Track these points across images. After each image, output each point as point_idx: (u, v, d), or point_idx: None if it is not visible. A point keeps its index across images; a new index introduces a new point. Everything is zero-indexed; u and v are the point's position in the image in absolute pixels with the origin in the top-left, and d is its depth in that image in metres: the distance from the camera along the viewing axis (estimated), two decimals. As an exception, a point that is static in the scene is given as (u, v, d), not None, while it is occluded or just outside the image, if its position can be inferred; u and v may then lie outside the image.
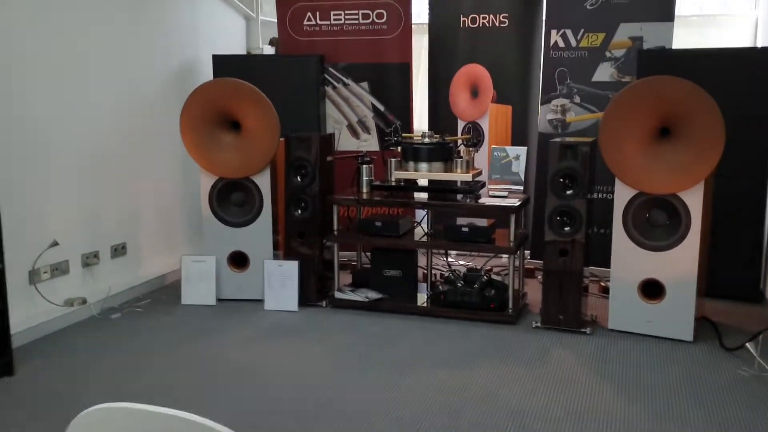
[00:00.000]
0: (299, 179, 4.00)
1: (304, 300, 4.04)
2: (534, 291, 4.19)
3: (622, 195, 3.53)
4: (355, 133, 5.02)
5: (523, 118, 4.97)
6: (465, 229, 3.75)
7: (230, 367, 3.22)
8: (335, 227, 3.99)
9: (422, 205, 3.85)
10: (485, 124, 5.06)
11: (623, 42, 4.51)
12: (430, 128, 5.14)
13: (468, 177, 3.80)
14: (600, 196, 4.61)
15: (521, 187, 3.97)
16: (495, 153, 4.02)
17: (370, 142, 4.98)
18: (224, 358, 3.31)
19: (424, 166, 3.87)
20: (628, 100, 3.39)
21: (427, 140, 3.88)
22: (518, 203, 3.71)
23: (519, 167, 3.96)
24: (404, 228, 3.98)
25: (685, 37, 4.78)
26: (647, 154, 3.42)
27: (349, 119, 5.02)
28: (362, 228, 3.96)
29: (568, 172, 3.54)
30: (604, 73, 4.58)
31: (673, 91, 3.29)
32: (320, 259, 4.07)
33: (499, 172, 4.00)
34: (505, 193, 3.88)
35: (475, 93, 5.07)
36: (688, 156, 3.34)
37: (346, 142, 5.02)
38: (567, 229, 3.58)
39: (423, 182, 4.00)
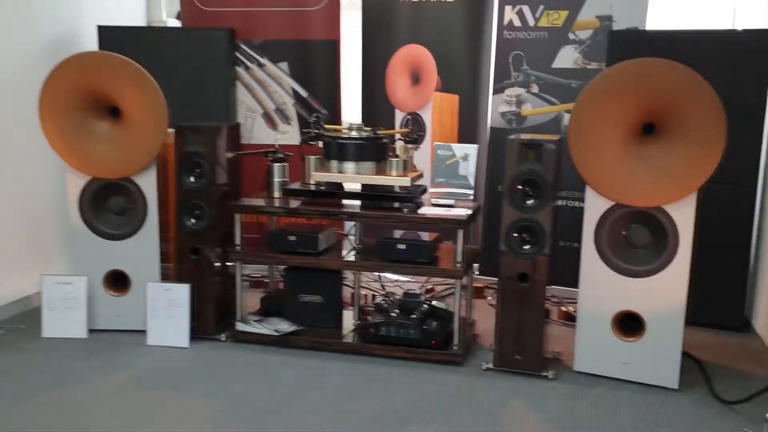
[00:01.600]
0: (193, 180, 3.17)
1: (199, 332, 3.22)
2: (484, 316, 3.48)
3: (595, 207, 2.83)
4: (272, 123, 4.21)
5: (472, 110, 4.24)
6: (401, 247, 2.99)
7: (81, 437, 2.39)
8: (238, 241, 3.17)
9: (346, 215, 3.06)
10: (428, 116, 4.32)
11: (589, 22, 3.82)
12: (364, 120, 4.37)
13: (405, 181, 3.04)
14: (565, 203, 3.92)
15: (471, 193, 3.23)
16: (439, 152, 3.28)
17: (290, 135, 4.17)
18: (80, 422, 2.47)
19: (350, 166, 3.09)
20: (605, 88, 2.68)
21: (354, 134, 3.11)
22: (467, 214, 2.97)
23: (468, 169, 3.23)
24: (326, 243, 3.20)
25: (661, 17, 4.12)
26: (627, 156, 2.73)
27: (264, 106, 4.19)
28: (272, 243, 3.15)
29: (530, 178, 2.81)
30: (566, 58, 3.88)
31: (664, 77, 2.59)
32: (220, 281, 3.26)
33: (444, 175, 3.25)
34: (451, 201, 3.14)
35: (416, 79, 4.32)
36: (679, 160, 2.65)
37: (261, 134, 4.21)
38: (528, 248, 2.86)
39: (356, 186, 3.22)
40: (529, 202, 2.84)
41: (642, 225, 2.81)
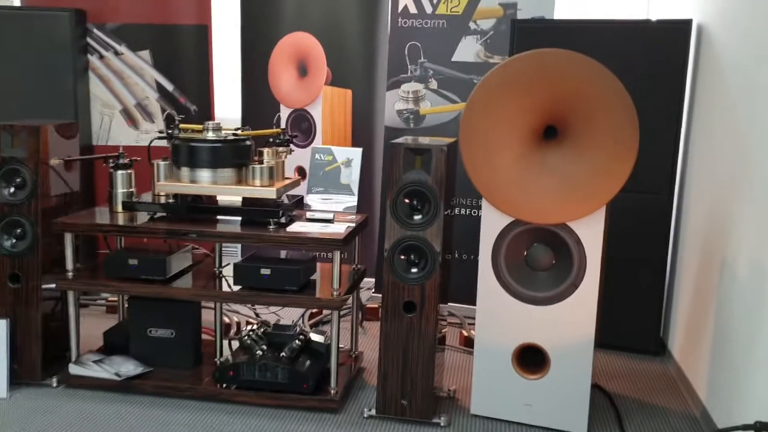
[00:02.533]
0: (11, 192, 2.59)
1: (22, 376, 2.64)
2: (376, 343, 3.03)
3: (492, 223, 2.41)
4: (132, 122, 3.63)
5: (367, 107, 3.78)
6: (265, 272, 2.50)
7: None
8: (70, 265, 2.60)
9: (195, 234, 2.52)
10: (317, 113, 3.83)
11: (492, 10, 3.42)
12: (244, 118, 3.84)
13: (270, 192, 2.54)
14: (468, 212, 3.51)
15: (354, 204, 2.76)
16: (316, 156, 2.79)
17: (154, 135, 3.60)
18: None
19: (204, 174, 2.56)
20: (499, 84, 2.26)
21: (211, 135, 2.58)
22: (346, 231, 2.50)
23: (351, 176, 2.76)
24: (177, 267, 2.66)
25: (570, 5, 3.76)
26: (527, 164, 2.31)
27: (124, 102, 3.61)
28: (108, 268, 2.60)
29: (417, 189, 2.37)
30: (467, 50, 3.46)
31: (567, 71, 2.19)
32: (50, 314, 2.68)
33: (323, 184, 2.77)
34: (330, 215, 2.66)
35: (303, 71, 3.82)
36: (586, 169, 2.26)
37: (120, 134, 3.62)
38: (415, 272, 2.41)
39: (234, 199, 2.69)
40: (417, 217, 2.40)
41: (544, 244, 2.40)
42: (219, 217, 2.61)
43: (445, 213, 2.39)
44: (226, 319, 3.21)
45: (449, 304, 3.49)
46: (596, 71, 2.16)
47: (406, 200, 2.39)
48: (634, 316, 3.11)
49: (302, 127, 3.87)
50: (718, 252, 2.51)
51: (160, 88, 3.59)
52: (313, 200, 2.78)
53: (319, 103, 3.82)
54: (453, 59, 3.49)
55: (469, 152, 2.31)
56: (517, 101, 2.25)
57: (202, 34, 3.55)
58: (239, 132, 2.62)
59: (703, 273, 2.68)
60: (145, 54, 3.56)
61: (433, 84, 3.53)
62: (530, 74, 2.21)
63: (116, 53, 3.55)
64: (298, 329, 2.75)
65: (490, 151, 2.31)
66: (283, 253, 2.66)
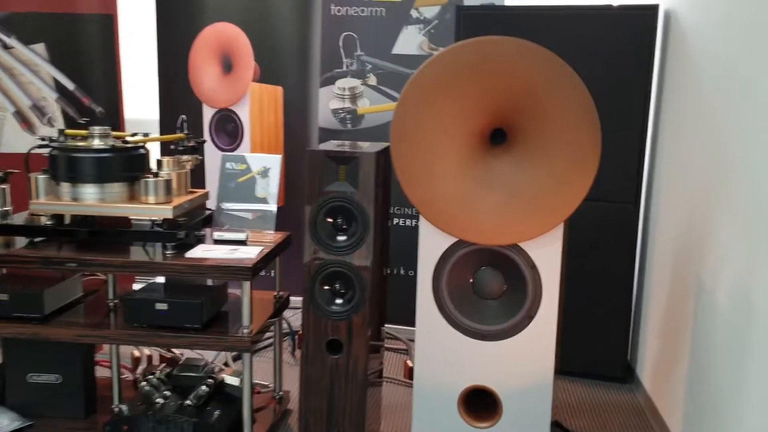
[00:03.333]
0: None
1: None
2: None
3: (431, 244, 2.03)
4: (28, 125, 3.17)
5: (301, 106, 3.38)
6: (162, 307, 2.08)
7: None
8: (-74, 302, 2.15)
9: (76, 261, 2.08)
10: (244, 113, 3.42)
11: (436, -5, 3.04)
12: (162, 119, 3.41)
13: (165, 211, 2.12)
14: (406, 222, 3.14)
15: (272, 220, 2.36)
16: (227, 165, 2.38)
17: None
18: None
19: (88, 191, 2.13)
20: (435, 81, 1.87)
21: (97, 142, 2.16)
22: (258, 256, 2.10)
23: (269, 188, 2.35)
24: (58, 301, 2.23)
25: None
26: (470, 174, 1.94)
27: (16, 103, 3.15)
28: (-28, 306, 2.15)
29: (341, 205, 1.98)
30: (409, 41, 3.08)
31: (515, 63, 1.81)
32: None
33: (234, 197, 2.36)
34: (243, 235, 2.25)
35: (227, 66, 3.41)
36: (539, 179, 1.89)
37: (14, 139, 3.15)
38: (340, 303, 2.03)
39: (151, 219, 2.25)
40: (341, 238, 2.01)
41: (494, 268, 2.03)
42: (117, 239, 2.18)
43: (383, 225, 2.01)
44: (136, 352, 2.79)
45: (392, 326, 3.12)
46: (549, 63, 1.79)
47: (329, 219, 2.00)
48: (598, 339, 2.77)
49: (228, 129, 3.46)
50: (692, 271, 2.17)
51: (60, 87, 3.13)
52: (231, 214, 2.37)
53: (247, 102, 3.41)
54: (393, 52, 3.11)
55: (402, 162, 1.92)
56: (457, 100, 1.87)
57: (107, 24, 3.10)
58: (131, 139, 2.20)
59: (676, 293, 2.34)
60: (40, 48, 3.09)
61: (372, 80, 3.14)
62: (470, 68, 1.83)
63: (5, 47, 3.08)
64: (210, 367, 2.34)
65: (426, 160, 1.92)
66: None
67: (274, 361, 2.47)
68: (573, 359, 2.80)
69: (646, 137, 2.65)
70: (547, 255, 1.95)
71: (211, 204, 2.43)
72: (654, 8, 2.57)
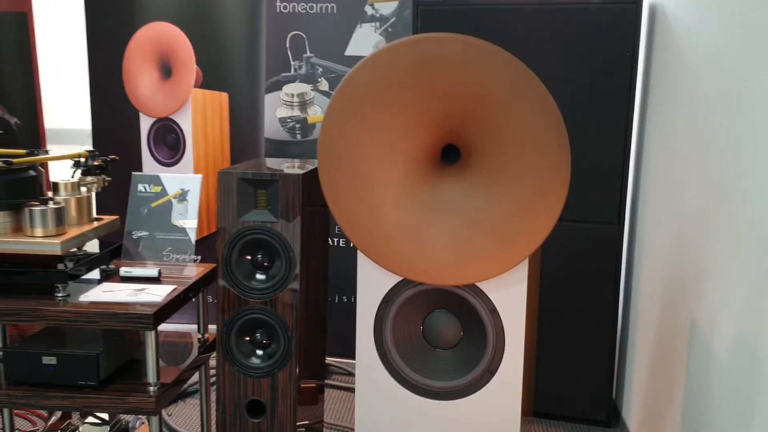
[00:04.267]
0: None
1: None
2: None
3: (372, 284, 1.69)
4: (-68, 140, 2.81)
5: (250, 114, 3.03)
6: (50, 361, 1.72)
7: None
8: None
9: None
10: (186, 123, 3.07)
11: (393, -11, 2.70)
12: (95, 131, 3.06)
13: (52, 246, 1.76)
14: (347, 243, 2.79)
15: (189, 250, 2.00)
16: (138, 187, 2.02)
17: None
18: None
19: (-40, 222, 1.77)
20: (370, 89, 1.53)
21: (-27, 165, 1.79)
22: (165, 300, 1.74)
23: (187, 214, 1.99)
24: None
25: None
26: (417, 202, 1.59)
27: None
28: None
29: (260, 238, 1.63)
30: (365, 41, 2.74)
31: (466, 65, 1.47)
32: None
33: (147, 225, 2.01)
34: (154, 270, 1.90)
35: (166, 71, 3.06)
36: (500, 206, 1.54)
37: None
38: (261, 356, 1.67)
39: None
40: (261, 277, 1.66)
41: (447, 313, 1.69)
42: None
43: (319, 255, 1.66)
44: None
45: (339, 360, 2.79)
46: (506, 67, 1.45)
47: (247, 256, 1.65)
48: (580, 377, 2.43)
49: (168, 141, 3.10)
50: (685, 310, 1.83)
51: (-33, 96, 2.77)
52: (143, 244, 2.01)
53: (189, 111, 3.05)
54: (347, 53, 2.76)
55: (332, 188, 1.57)
56: (398, 112, 1.52)
57: (21, 23, 2.74)
58: (17, 160, 1.84)
59: (667, 332, 2.00)
60: (-56, 51, 2.73)
61: (324, 84, 2.79)
62: (411, 72, 1.48)
63: None
64: (122, 425, 1.98)
65: (362, 185, 1.57)
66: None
67: (201, 414, 2.12)
68: (551, 400, 2.46)
69: (629, 148, 2.31)
70: (509, 297, 1.60)
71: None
72: (637, 3, 2.23)
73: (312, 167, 1.77)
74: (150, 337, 1.70)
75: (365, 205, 1.58)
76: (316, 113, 2.81)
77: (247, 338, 1.68)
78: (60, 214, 1.80)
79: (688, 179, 1.86)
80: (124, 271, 1.91)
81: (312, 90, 2.80)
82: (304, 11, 2.76)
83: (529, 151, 1.46)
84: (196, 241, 1.98)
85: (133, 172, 2.03)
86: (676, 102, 2.02)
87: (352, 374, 2.77)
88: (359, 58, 2.74)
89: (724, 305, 1.57)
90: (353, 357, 2.78)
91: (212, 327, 2.47)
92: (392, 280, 1.66)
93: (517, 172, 1.49)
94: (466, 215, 1.56)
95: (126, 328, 1.69)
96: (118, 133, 3.11)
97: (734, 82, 1.58)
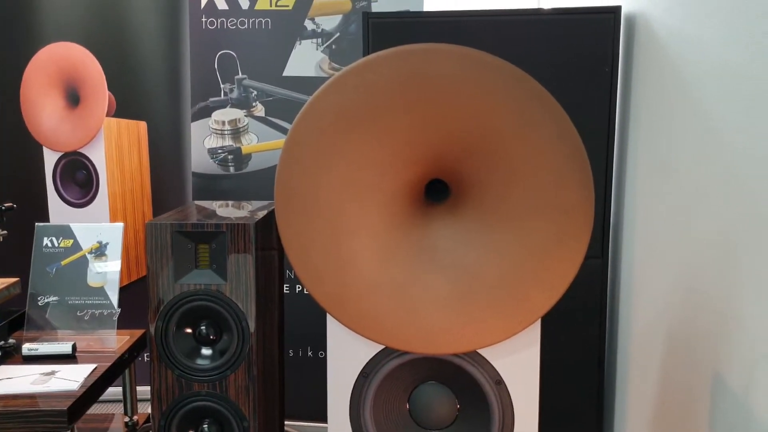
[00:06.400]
0: None
1: None
2: None
3: (347, 356, 1.37)
4: None
5: (173, 146, 2.66)
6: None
7: None
8: None
9: None
10: (98, 158, 2.67)
11: (335, 2, 2.41)
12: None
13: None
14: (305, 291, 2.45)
15: (110, 317, 1.63)
16: (43, 240, 1.64)
17: None
18: None
19: None
20: (340, 114, 1.22)
21: None
22: (82, 388, 1.37)
23: (106, 272, 1.62)
24: None
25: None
26: (402, 250, 1.29)
27: None
28: None
29: (205, 306, 1.28)
30: (305, 60, 2.43)
31: (467, 85, 1.18)
32: None
33: (55, 289, 1.62)
34: (67, 346, 1.51)
35: (73, 98, 2.66)
36: (506, 255, 1.26)
37: None
38: (210, 452, 1.32)
39: None
40: (207, 352, 1.31)
41: (438, 385, 1.38)
42: None
43: (275, 314, 1.32)
44: None
45: (297, 423, 2.44)
46: (516, 84, 1.17)
47: (187, 328, 1.30)
48: (566, 416, 2.16)
49: (78, 178, 2.70)
50: (705, 362, 1.58)
51: None
52: (52, 312, 1.62)
53: (101, 143, 2.66)
54: (285, 74, 2.44)
55: (294, 238, 1.25)
56: (376, 143, 1.22)
57: None
58: None
59: (675, 387, 1.75)
60: None
61: (259, 109, 2.46)
62: (393, 94, 1.18)
63: None
64: None
65: (334, 234, 1.26)
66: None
67: None
68: None
69: (611, 172, 2.08)
70: (519, 365, 1.32)
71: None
72: (614, 11, 2.01)
73: (263, 212, 1.44)
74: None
75: (336, 259, 1.27)
76: (251, 142, 2.48)
77: (193, 428, 1.32)
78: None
79: (696, 207, 1.63)
80: (27, 348, 1.52)
81: (246, 116, 2.46)
82: (233, 27, 2.43)
83: (545, 187, 1.19)
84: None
85: (37, 223, 1.64)
86: (670, 117, 1.80)
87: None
88: (300, 78, 2.43)
89: (758, 360, 1.33)
90: (318, 419, 2.44)
91: (144, 390, 2.08)
92: (372, 349, 1.35)
93: (528, 213, 1.21)
94: (463, 267, 1.27)
95: (32, 431, 1.30)
96: (17, 171, 2.68)
97: (743, 89, 1.35)
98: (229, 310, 1.29)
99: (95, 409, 1.81)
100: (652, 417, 1.91)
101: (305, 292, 2.48)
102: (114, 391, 2.43)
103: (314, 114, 1.21)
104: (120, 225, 1.63)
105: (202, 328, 1.31)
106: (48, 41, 2.63)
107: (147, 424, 1.75)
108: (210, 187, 2.51)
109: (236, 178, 2.50)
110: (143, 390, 2.18)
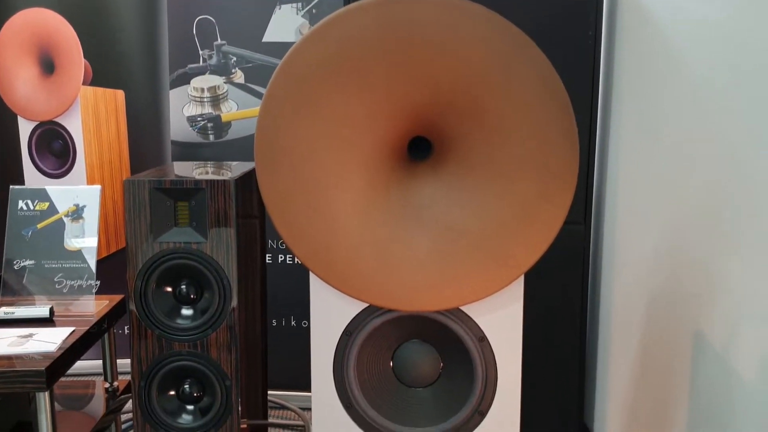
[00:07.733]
0: None
1: None
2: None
3: (330, 314, 1.36)
4: None
5: (151, 114, 2.62)
6: None
7: None
8: None
9: None
10: (75, 127, 2.62)
11: (316, -34, 2.37)
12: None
13: None
14: (290, 258, 2.46)
15: (89, 279, 1.61)
16: (18, 203, 1.60)
17: None
18: None
19: None
20: (321, 67, 1.20)
21: None
22: (62, 346, 1.35)
23: (84, 234, 1.59)
24: None
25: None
26: (385, 208, 1.27)
27: None
28: None
29: (183, 264, 1.26)
30: (285, 26, 2.40)
31: (442, 32, 1.16)
32: None
33: (31, 252, 1.59)
34: (45, 309, 1.49)
35: (48, 66, 2.60)
36: (489, 210, 1.25)
37: None
38: (191, 412, 1.31)
39: None
40: (187, 312, 1.29)
41: (423, 343, 1.38)
42: None
43: (257, 276, 1.31)
44: None
45: (281, 393, 2.43)
46: (501, 33, 1.16)
47: (167, 287, 1.28)
48: (546, 394, 2.17)
49: (54, 148, 2.65)
50: (685, 322, 1.59)
51: None
52: (28, 276, 1.59)
53: (77, 112, 2.61)
54: (265, 39, 2.40)
55: (276, 195, 1.23)
56: (358, 96, 1.20)
57: None
58: None
59: (656, 347, 1.76)
60: None
61: (239, 76, 2.42)
62: (374, 45, 1.16)
63: None
64: None
65: (315, 191, 1.24)
66: None
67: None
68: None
69: (594, 140, 2.08)
70: (502, 321, 1.32)
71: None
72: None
73: (242, 170, 1.42)
74: (43, 400, 1.30)
75: (318, 217, 1.25)
76: (230, 109, 2.44)
77: (173, 392, 1.31)
78: None
79: (682, 170, 1.63)
80: (4, 312, 1.49)
81: (225, 83, 2.43)
82: (212, -8, 2.38)
83: (530, 143, 1.17)
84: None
85: (12, 186, 1.61)
86: (655, 85, 1.79)
87: (291, 409, 2.42)
88: (280, 44, 2.40)
89: (741, 318, 1.34)
90: (293, 388, 2.43)
91: (124, 363, 2.06)
92: (355, 307, 1.34)
93: (512, 169, 1.20)
94: (446, 224, 1.26)
95: (10, 391, 1.28)
96: (-8, 140, 2.63)
97: (730, 46, 1.35)
98: (209, 268, 1.27)
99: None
100: (634, 373, 1.93)
101: (288, 261, 2.46)
102: (94, 364, 2.41)
103: (293, 68, 1.19)
104: (98, 187, 1.60)
105: (183, 287, 1.30)
106: (21, 7, 2.57)
107: (128, 395, 1.74)
108: (189, 155, 2.48)
109: (216, 146, 2.47)
110: (124, 363, 2.16)
